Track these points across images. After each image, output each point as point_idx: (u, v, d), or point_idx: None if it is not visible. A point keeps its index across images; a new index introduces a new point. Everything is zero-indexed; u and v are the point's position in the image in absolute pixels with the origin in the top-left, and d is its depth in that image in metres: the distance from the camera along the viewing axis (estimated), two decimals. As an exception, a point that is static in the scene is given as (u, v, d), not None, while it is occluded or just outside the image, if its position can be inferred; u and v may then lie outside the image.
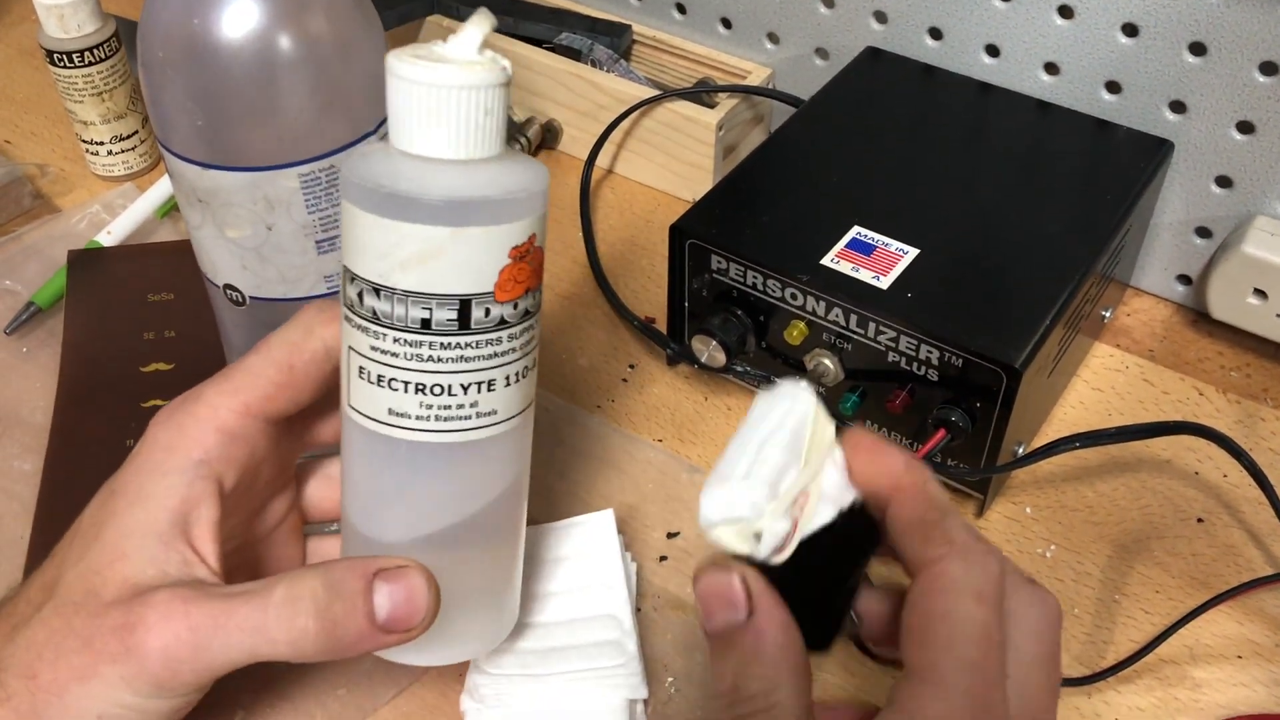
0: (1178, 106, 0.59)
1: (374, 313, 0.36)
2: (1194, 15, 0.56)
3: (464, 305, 0.36)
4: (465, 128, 0.35)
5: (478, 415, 0.38)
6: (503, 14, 0.75)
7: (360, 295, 0.37)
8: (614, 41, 0.74)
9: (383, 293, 0.36)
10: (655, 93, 0.70)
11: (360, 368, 0.37)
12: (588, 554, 0.50)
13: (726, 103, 0.70)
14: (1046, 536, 0.54)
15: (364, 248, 0.36)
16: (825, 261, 0.53)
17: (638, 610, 0.51)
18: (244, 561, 0.43)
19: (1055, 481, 0.56)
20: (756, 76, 0.72)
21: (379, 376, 0.37)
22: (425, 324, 0.36)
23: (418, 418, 0.37)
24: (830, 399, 0.55)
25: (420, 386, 0.37)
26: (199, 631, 0.36)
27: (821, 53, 0.70)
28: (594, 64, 0.74)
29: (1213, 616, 0.51)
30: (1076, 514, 0.55)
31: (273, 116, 0.44)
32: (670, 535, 0.54)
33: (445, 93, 0.34)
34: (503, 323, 0.37)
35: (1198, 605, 0.50)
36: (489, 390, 0.38)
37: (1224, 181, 0.60)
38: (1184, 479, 0.57)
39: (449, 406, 0.37)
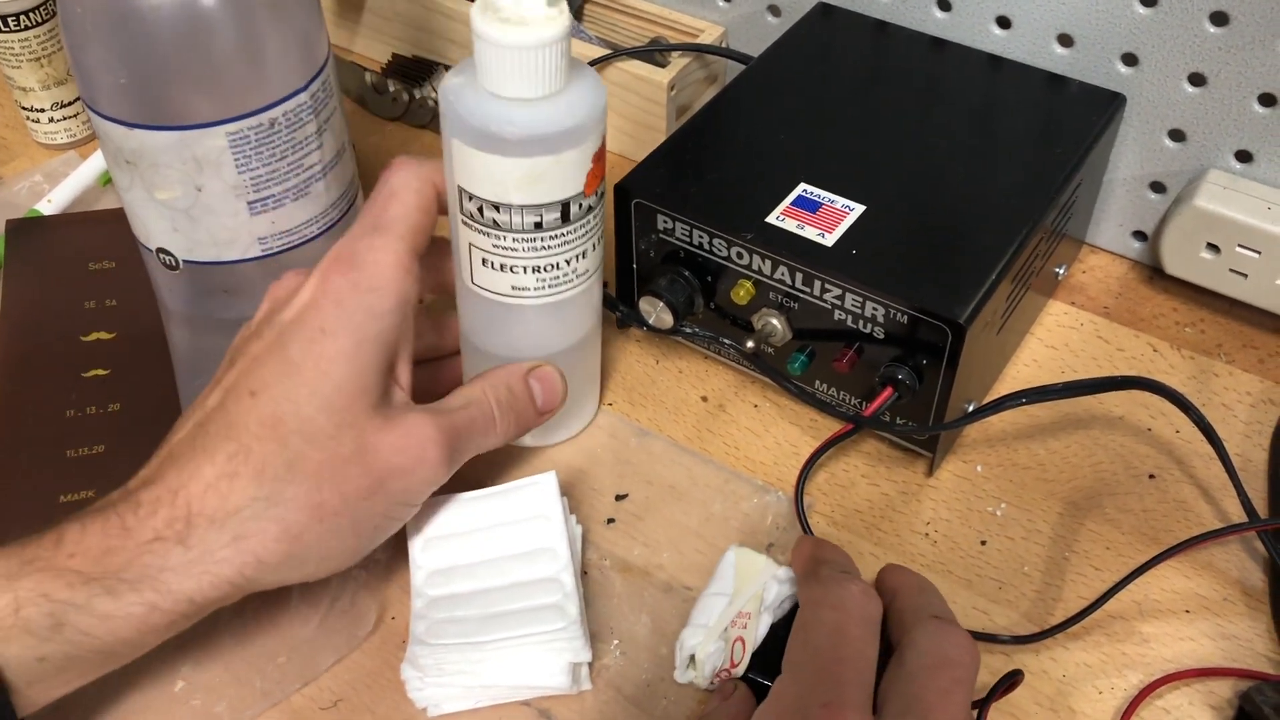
0: (1129, 59, 0.59)
1: (494, 222, 0.45)
2: (1144, -35, 0.55)
3: (565, 206, 0.46)
4: (552, 72, 0.43)
5: (576, 277, 0.49)
6: (451, -26, 0.74)
7: (480, 209, 0.45)
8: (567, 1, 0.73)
9: (501, 207, 0.45)
10: (606, 52, 0.69)
11: (483, 259, 0.47)
12: (529, 517, 0.49)
13: (679, 62, 0.69)
14: (997, 495, 0.54)
15: (481, 176, 0.44)
16: (770, 219, 0.52)
17: (584, 573, 0.50)
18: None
19: (1007, 439, 0.56)
20: (709, 35, 0.71)
21: (501, 264, 0.47)
22: (538, 225, 0.46)
23: (535, 289, 0.48)
24: (779, 358, 0.55)
25: (536, 268, 0.47)
26: (460, 439, 0.45)
27: (774, 10, 0.69)
28: (544, 24, 0.72)
29: (1162, 571, 0.50)
30: (1028, 471, 0.55)
31: (198, 73, 0.43)
32: (619, 498, 0.54)
33: (537, 51, 0.41)
34: (589, 210, 0.47)
35: (1146, 560, 0.49)
36: (582, 259, 0.48)
37: (1177, 135, 0.59)
38: (1136, 435, 0.56)
39: (557, 278, 0.48)
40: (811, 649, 0.40)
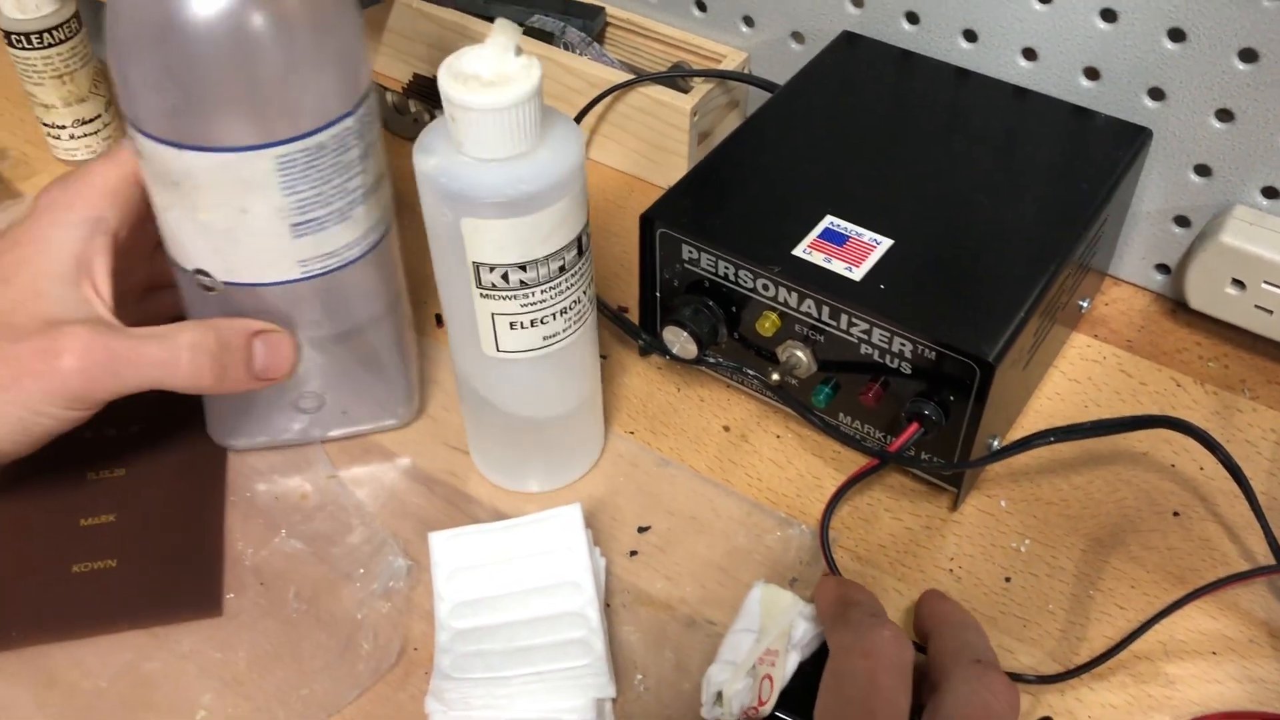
0: (1156, 94, 0.59)
1: (521, 282, 0.45)
2: (1173, 1, 0.55)
3: (579, 239, 0.46)
4: (537, 121, 0.42)
5: (588, 303, 0.49)
6: (474, -5, 0.74)
7: (505, 276, 0.45)
8: (587, 24, 0.73)
9: (529, 266, 0.45)
10: (629, 77, 0.69)
11: (511, 323, 0.46)
12: (554, 550, 0.49)
13: (701, 87, 0.69)
14: (1021, 530, 0.54)
15: (505, 243, 0.44)
16: (797, 252, 0.52)
17: (606, 606, 0.50)
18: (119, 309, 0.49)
19: (1030, 474, 0.56)
20: (731, 60, 0.71)
21: (531, 321, 0.47)
22: (561, 268, 0.46)
23: (564, 331, 0.48)
24: (803, 391, 0.55)
25: (563, 310, 0.47)
26: (115, 360, 0.45)
27: (797, 36, 0.69)
28: (566, 47, 0.72)
29: (1187, 612, 0.50)
30: (1051, 507, 0.55)
31: (248, 97, 0.43)
32: (641, 529, 0.53)
33: (520, 108, 0.41)
34: (588, 236, 0.47)
35: (1173, 601, 0.49)
36: (589, 284, 0.48)
37: (1203, 170, 0.59)
38: (1160, 472, 0.56)
39: (580, 311, 0.48)
40: (844, 700, 0.40)
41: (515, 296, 0.46)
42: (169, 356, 0.46)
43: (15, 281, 0.45)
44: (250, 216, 0.45)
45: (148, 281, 0.54)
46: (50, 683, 0.48)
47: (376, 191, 0.49)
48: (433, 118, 0.73)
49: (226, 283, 0.48)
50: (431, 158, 0.43)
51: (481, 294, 0.46)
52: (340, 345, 0.52)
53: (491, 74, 0.41)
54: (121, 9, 0.42)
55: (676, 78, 0.70)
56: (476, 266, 0.45)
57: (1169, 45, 0.57)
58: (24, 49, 0.67)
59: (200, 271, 0.48)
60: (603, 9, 0.74)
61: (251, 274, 0.48)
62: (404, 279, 0.54)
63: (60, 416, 0.46)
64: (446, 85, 0.41)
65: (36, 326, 0.45)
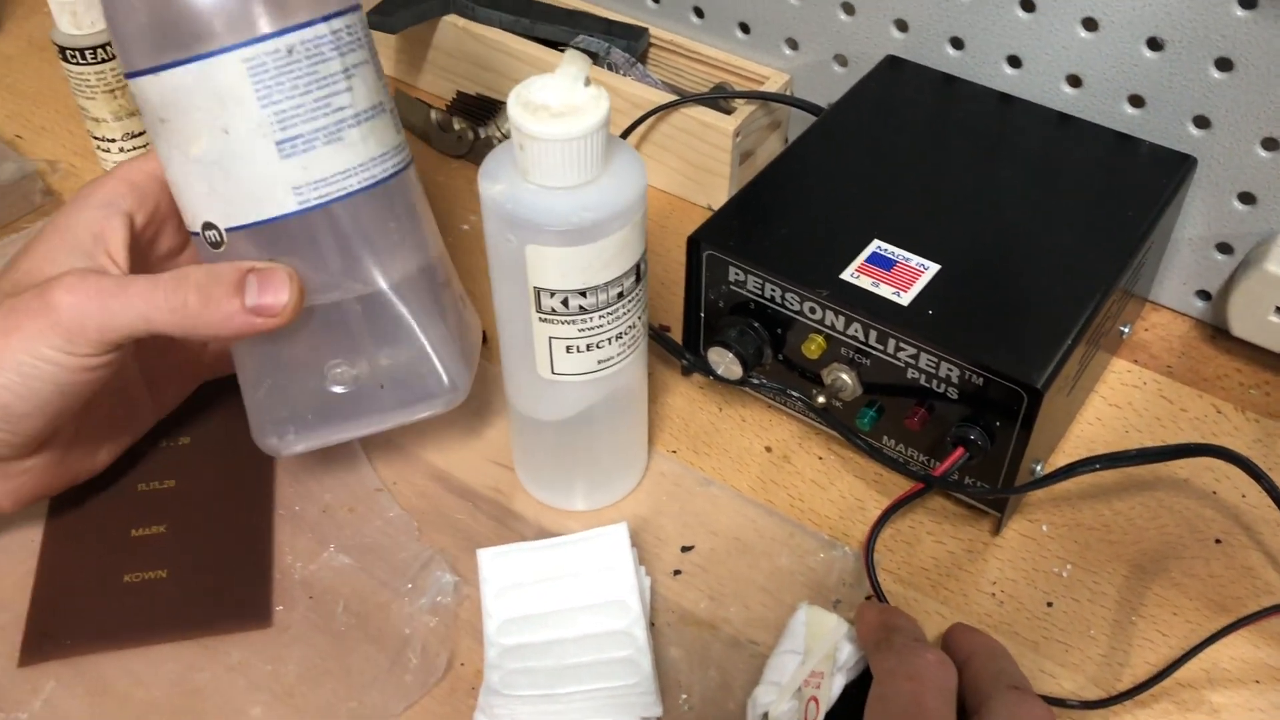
0: (1202, 121, 0.59)
1: (580, 308, 0.46)
2: (1220, 30, 0.55)
3: (638, 265, 0.47)
4: (602, 152, 0.43)
5: (642, 328, 0.50)
6: (518, 15, 0.75)
7: (564, 301, 0.45)
8: (631, 45, 0.74)
9: (588, 292, 0.45)
10: (672, 98, 0.70)
11: (568, 347, 0.47)
12: (601, 569, 0.50)
13: (744, 108, 0.69)
14: (1063, 555, 0.54)
15: (568, 269, 0.44)
16: (845, 276, 0.52)
17: (651, 625, 0.50)
18: None
19: (1072, 499, 0.56)
20: (774, 82, 0.71)
21: (587, 345, 0.47)
22: (620, 295, 0.46)
23: (618, 355, 0.49)
24: (848, 413, 0.55)
25: (618, 335, 0.48)
26: (103, 294, 0.45)
27: (840, 60, 0.69)
28: (610, 67, 0.73)
29: (1231, 640, 0.50)
30: (1093, 533, 0.55)
31: None
32: (684, 549, 0.54)
33: (588, 139, 0.42)
34: (645, 263, 0.48)
35: (1217, 630, 0.49)
36: (644, 310, 0.49)
37: (1247, 198, 0.59)
38: (1202, 499, 0.56)
39: (634, 336, 0.49)
40: None
41: (574, 321, 0.46)
42: (154, 289, 0.46)
43: (33, 254, 0.48)
44: (233, 137, 0.45)
45: None
46: (103, 691, 0.48)
47: (374, 120, 0.48)
48: (476, 135, 0.74)
49: (229, 229, 0.47)
50: (497, 184, 0.44)
51: (540, 318, 0.46)
52: (362, 303, 0.50)
53: (560, 104, 0.42)
54: None
55: (719, 99, 0.71)
56: (537, 291, 0.45)
57: (1215, 74, 0.57)
58: (78, 64, 0.68)
59: (207, 225, 0.47)
60: (646, 30, 0.75)
61: (249, 210, 0.47)
62: (440, 240, 0.53)
63: (60, 361, 0.45)
64: (516, 114, 0.42)
65: (34, 284, 0.47)
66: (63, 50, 0.68)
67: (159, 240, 0.52)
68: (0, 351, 0.45)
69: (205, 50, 0.44)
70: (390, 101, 0.49)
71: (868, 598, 0.52)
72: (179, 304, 0.46)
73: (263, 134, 0.45)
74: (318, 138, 0.46)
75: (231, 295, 0.46)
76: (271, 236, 0.47)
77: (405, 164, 0.50)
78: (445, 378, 0.51)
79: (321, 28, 0.45)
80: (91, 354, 0.46)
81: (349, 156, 0.47)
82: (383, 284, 0.49)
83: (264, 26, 0.44)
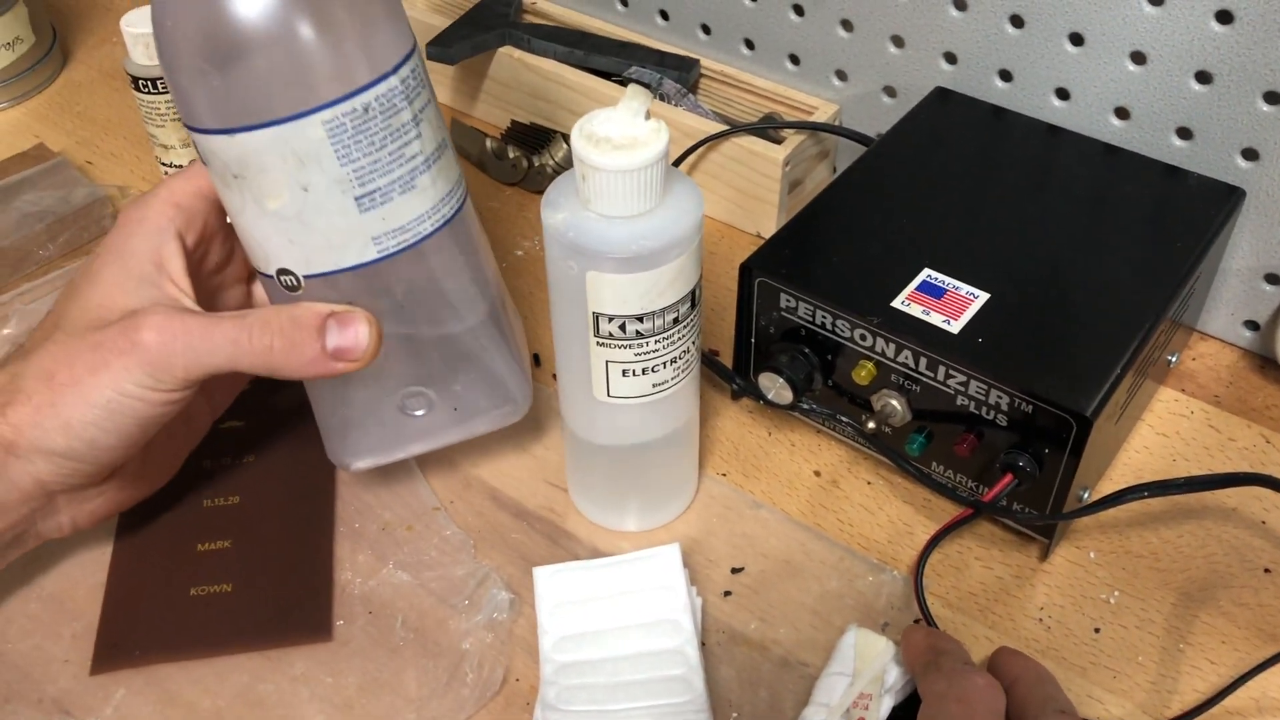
0: (1250, 154, 0.59)
1: (637, 333, 0.47)
2: (1268, 63, 0.56)
3: (693, 292, 0.48)
4: (661, 183, 0.45)
5: (695, 353, 0.51)
6: (572, 46, 0.77)
7: (622, 326, 0.47)
8: (682, 75, 0.75)
9: (645, 318, 0.47)
10: (723, 127, 0.71)
11: (624, 370, 0.49)
12: (655, 588, 0.51)
13: (793, 138, 0.71)
14: (1110, 582, 0.54)
15: (626, 296, 0.46)
16: (896, 304, 0.53)
17: (702, 645, 0.51)
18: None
19: (1120, 527, 0.56)
20: (823, 113, 0.72)
21: (643, 369, 0.49)
22: (675, 320, 0.48)
23: (673, 379, 0.50)
24: (897, 439, 0.56)
25: (673, 360, 0.49)
26: (191, 335, 0.47)
27: (889, 91, 0.70)
28: (663, 98, 0.75)
29: (1280, 669, 0.50)
30: (1141, 560, 0.55)
31: (286, 61, 0.43)
32: (735, 570, 0.55)
33: (648, 170, 0.44)
34: (700, 289, 0.49)
35: (1266, 658, 0.49)
36: (698, 335, 0.51)
37: (1295, 229, 0.60)
38: (1251, 528, 0.56)
39: (688, 360, 0.50)
40: None
41: (630, 346, 0.47)
42: (240, 333, 0.47)
43: (99, 283, 0.49)
44: (313, 194, 0.45)
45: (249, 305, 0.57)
46: (171, 700, 0.50)
47: (439, 160, 0.48)
48: (530, 164, 0.76)
49: (307, 276, 0.48)
50: (560, 213, 0.45)
51: (598, 342, 0.48)
52: (435, 335, 0.52)
53: (622, 137, 0.43)
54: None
55: (769, 129, 0.72)
56: (596, 316, 0.47)
57: (1264, 107, 0.57)
58: (149, 93, 0.70)
59: (282, 271, 0.48)
60: (698, 61, 0.76)
61: (328, 260, 0.47)
62: (495, 263, 0.54)
63: (145, 397, 0.47)
64: (580, 146, 0.43)
65: (121, 316, 0.48)
66: (135, 80, 0.70)
67: (208, 257, 0.54)
68: (88, 389, 0.46)
69: (285, 115, 0.44)
70: (446, 132, 0.50)
71: (916, 621, 0.52)
72: (264, 348, 0.47)
73: (342, 190, 0.46)
74: (394, 189, 0.47)
75: (313, 340, 0.47)
76: (349, 280, 0.48)
77: (465, 195, 0.51)
78: (514, 394, 0.54)
79: (393, 80, 0.46)
80: (175, 390, 0.47)
81: (422, 202, 0.48)
82: (455, 315, 0.51)
83: (342, 88, 0.44)
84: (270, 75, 0.43)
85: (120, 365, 0.46)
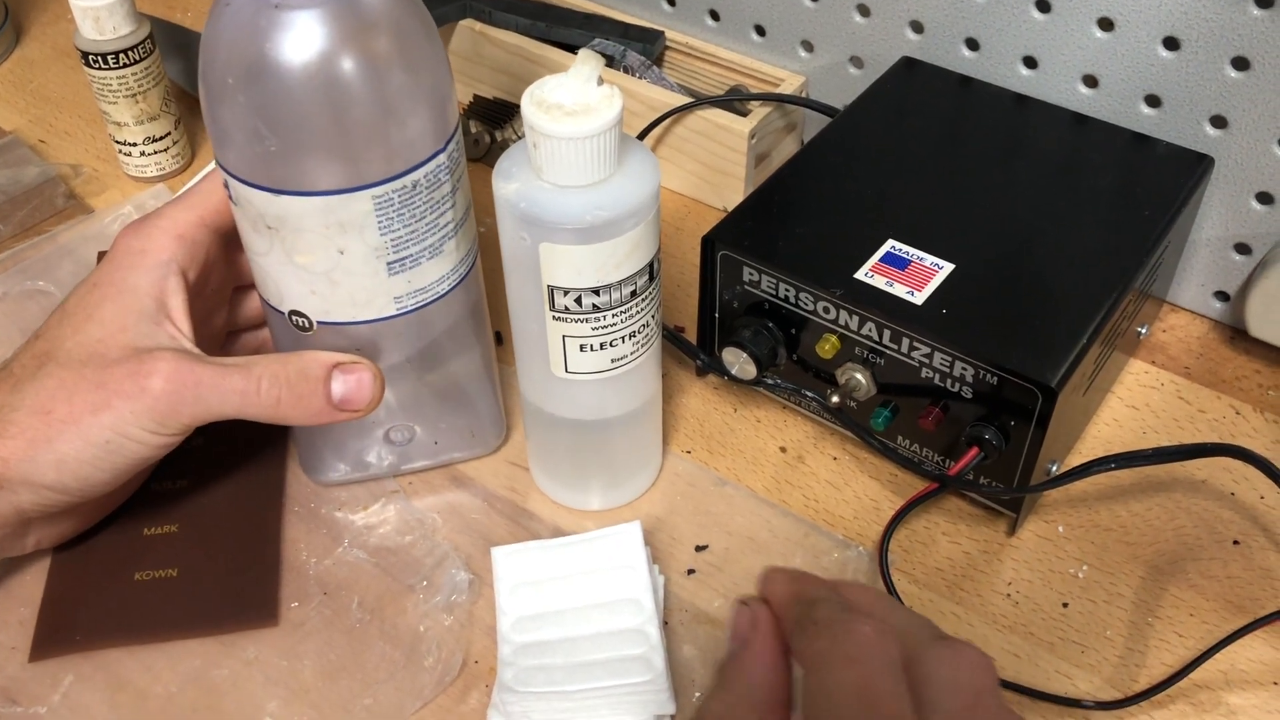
0: (1219, 121, 0.59)
1: (594, 306, 0.46)
2: (1237, 29, 0.55)
3: (651, 264, 0.47)
4: (616, 150, 0.43)
5: (655, 327, 0.50)
6: (535, 19, 0.75)
7: (578, 300, 0.46)
8: (646, 48, 0.74)
9: (602, 290, 0.45)
10: (687, 100, 0.70)
11: (581, 345, 0.47)
12: (615, 567, 0.50)
13: (759, 110, 0.70)
14: (1079, 556, 0.54)
15: (582, 267, 0.44)
16: (859, 276, 0.52)
17: (665, 624, 0.50)
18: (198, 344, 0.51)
19: (1088, 500, 0.56)
20: (789, 84, 0.71)
21: (601, 344, 0.47)
22: (633, 293, 0.46)
23: (631, 354, 0.49)
24: (862, 413, 0.55)
25: (632, 334, 0.48)
26: (201, 386, 0.46)
27: (856, 61, 0.69)
28: (626, 70, 0.73)
29: (1248, 641, 0.50)
30: (1110, 534, 0.55)
31: (343, 140, 0.43)
32: (699, 548, 0.54)
33: (602, 137, 0.42)
34: (659, 262, 0.48)
35: (1234, 630, 0.49)
36: (657, 309, 0.49)
37: (1265, 198, 0.59)
38: (1220, 500, 0.56)
39: (648, 335, 0.49)
40: None
41: (587, 320, 0.46)
42: (249, 384, 0.47)
43: (99, 318, 0.48)
44: (347, 257, 0.46)
45: (229, 325, 0.57)
46: (121, 687, 0.49)
47: (465, 223, 0.49)
48: (492, 138, 0.74)
49: (320, 322, 0.48)
50: (511, 183, 0.44)
51: (554, 316, 0.46)
52: (431, 377, 0.52)
53: (574, 103, 0.42)
54: (215, 55, 0.42)
55: (734, 101, 0.71)
56: (551, 290, 0.45)
57: (1232, 73, 0.57)
58: (100, 69, 0.69)
59: (296, 313, 0.48)
60: (662, 33, 0.75)
61: (347, 313, 0.48)
62: (487, 307, 0.54)
63: (146, 440, 0.47)
64: (530, 113, 0.42)
65: (126, 355, 0.47)
66: (85, 55, 0.68)
67: (206, 285, 0.53)
68: (88, 428, 0.46)
69: (335, 188, 0.44)
70: (470, 193, 0.50)
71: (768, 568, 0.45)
72: (271, 401, 0.47)
73: (377, 256, 0.46)
74: (424, 255, 0.47)
75: (320, 392, 0.48)
76: (361, 328, 0.49)
77: (477, 251, 0.52)
78: (490, 433, 0.57)
79: (441, 158, 0.46)
80: (177, 435, 0.48)
81: (445, 265, 0.49)
82: (454, 361, 0.52)
83: (396, 168, 0.44)
84: (330, 152, 0.43)
85: (127, 409, 0.46)
